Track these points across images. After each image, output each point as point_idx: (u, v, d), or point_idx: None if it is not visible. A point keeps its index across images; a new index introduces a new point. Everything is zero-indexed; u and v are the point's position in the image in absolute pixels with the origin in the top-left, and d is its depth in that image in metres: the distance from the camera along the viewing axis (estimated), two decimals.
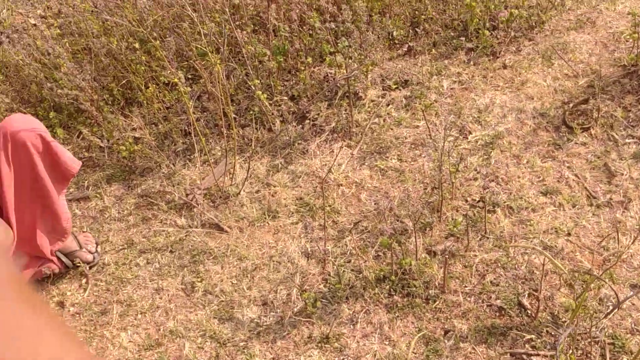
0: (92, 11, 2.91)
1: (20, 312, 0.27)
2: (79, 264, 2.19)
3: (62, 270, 2.21)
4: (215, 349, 1.96)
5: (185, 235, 2.35)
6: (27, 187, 1.99)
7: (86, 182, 2.60)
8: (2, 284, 0.27)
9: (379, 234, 2.21)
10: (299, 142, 2.62)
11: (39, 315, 0.28)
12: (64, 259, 2.21)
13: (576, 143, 2.47)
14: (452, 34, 2.98)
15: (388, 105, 2.69)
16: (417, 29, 2.97)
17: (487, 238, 2.16)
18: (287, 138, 2.64)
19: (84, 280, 2.23)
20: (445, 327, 1.92)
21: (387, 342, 1.92)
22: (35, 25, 3.23)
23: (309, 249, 2.23)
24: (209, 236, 2.34)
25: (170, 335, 2.02)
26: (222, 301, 2.11)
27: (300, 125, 2.67)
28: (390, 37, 2.95)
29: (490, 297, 1.99)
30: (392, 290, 2.05)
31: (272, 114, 2.68)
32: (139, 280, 2.21)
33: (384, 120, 2.63)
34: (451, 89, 2.73)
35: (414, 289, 2.02)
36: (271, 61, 2.67)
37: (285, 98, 2.72)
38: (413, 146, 2.53)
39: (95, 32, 2.82)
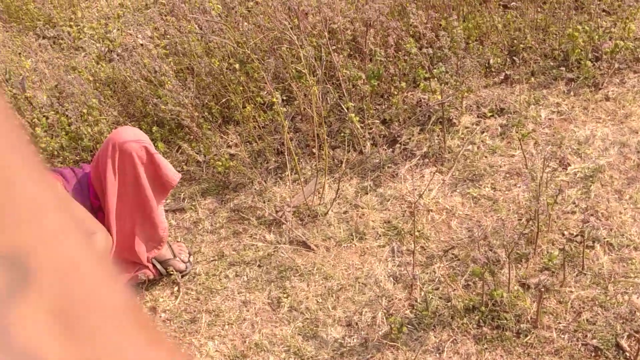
0: (196, 33, 3.05)
1: (141, 346, 0.25)
2: (172, 272, 2.27)
3: (156, 277, 2.30)
4: None
5: (274, 251, 2.39)
6: (130, 196, 2.09)
7: (182, 194, 2.70)
8: (119, 312, 0.25)
9: (470, 262, 2.17)
10: (389, 165, 2.62)
11: (159, 348, 0.26)
12: (158, 266, 2.30)
13: None
14: (552, 63, 2.91)
15: (482, 132, 2.65)
16: (515, 58, 2.92)
17: (585, 274, 2.07)
18: (377, 161, 2.65)
19: (175, 288, 2.30)
20: None
21: None
22: (142, 45, 3.42)
23: (397, 273, 2.21)
24: (296, 253, 2.37)
25: (255, 348, 2.04)
26: (307, 318, 2.12)
27: (391, 149, 2.67)
28: (487, 64, 2.92)
29: (586, 336, 1.90)
30: (481, 321, 1.99)
31: (364, 136, 2.70)
32: (227, 291, 2.27)
33: (478, 148, 2.59)
34: (549, 119, 2.66)
35: (505, 321, 1.96)
36: (365, 85, 2.70)
37: (377, 121, 2.73)
38: (508, 175, 2.48)
39: (199, 53, 2.95)
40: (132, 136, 2.07)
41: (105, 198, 2.06)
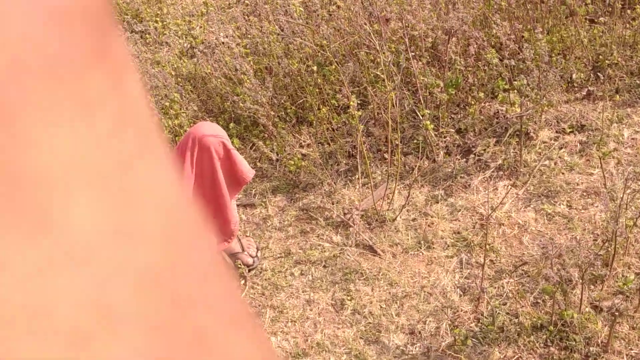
0: (277, 34, 3.11)
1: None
2: (239, 266, 2.32)
3: None
4: None
5: (340, 253, 2.41)
6: (206, 189, 2.16)
7: (254, 190, 2.76)
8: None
9: (541, 279, 2.12)
10: (462, 175, 2.59)
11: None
12: (227, 259, 2.35)
13: None
14: (638, 81, 2.81)
15: (561, 148, 2.58)
16: (599, 74, 2.83)
17: None
18: (450, 170, 2.63)
19: (242, 282, 2.36)
20: None
21: None
22: (223, 43, 3.52)
23: (464, 285, 2.19)
24: (362, 257, 2.38)
25: (317, 347, 2.07)
26: (370, 323, 2.12)
27: (465, 159, 2.64)
28: (569, 79, 2.84)
29: None
30: (549, 340, 1.94)
31: (437, 144, 2.68)
32: (292, 289, 2.30)
33: (555, 164, 2.53)
34: (632, 138, 2.57)
35: (574, 343, 1.91)
36: (442, 93, 2.68)
37: (452, 130, 2.71)
38: (585, 194, 2.41)
39: (278, 54, 3.01)
40: (211, 131, 2.13)
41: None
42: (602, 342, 1.90)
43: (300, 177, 2.75)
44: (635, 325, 1.94)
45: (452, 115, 2.81)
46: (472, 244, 2.33)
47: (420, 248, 2.38)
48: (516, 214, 2.41)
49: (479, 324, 2.05)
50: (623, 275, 2.09)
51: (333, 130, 2.89)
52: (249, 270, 2.37)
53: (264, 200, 2.70)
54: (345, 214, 2.56)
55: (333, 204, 2.62)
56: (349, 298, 2.23)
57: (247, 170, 2.22)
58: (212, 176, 2.15)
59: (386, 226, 2.49)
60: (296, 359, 2.04)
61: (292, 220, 2.60)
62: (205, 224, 0.21)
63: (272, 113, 2.85)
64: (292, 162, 2.69)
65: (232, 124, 2.92)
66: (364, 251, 2.41)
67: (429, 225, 2.46)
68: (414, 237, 2.43)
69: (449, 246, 2.36)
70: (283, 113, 2.92)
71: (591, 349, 1.89)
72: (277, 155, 2.81)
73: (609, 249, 2.10)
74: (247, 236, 2.48)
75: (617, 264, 2.11)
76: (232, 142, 2.80)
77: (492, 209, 2.37)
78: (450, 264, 2.29)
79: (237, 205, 2.69)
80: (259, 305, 2.26)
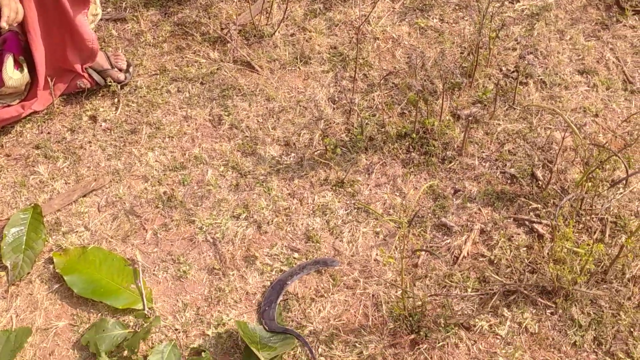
0: None
1: None
2: (110, 83, 2.25)
3: (93, 86, 2.28)
4: (236, 179, 2.06)
5: (217, 69, 2.38)
6: (50, 8, 2.00)
7: (124, 3, 2.60)
8: None
9: (407, 90, 2.22)
10: None
11: None
12: (95, 76, 2.27)
13: (625, 25, 2.38)
14: None
15: None
16: None
17: (514, 109, 2.16)
18: None
19: (115, 99, 2.30)
20: (456, 186, 1.99)
21: (397, 193, 2.00)
22: None
23: (337, 98, 2.26)
24: (239, 73, 2.37)
25: (195, 161, 2.12)
26: (247, 136, 2.18)
27: None
28: None
29: (505, 165, 2.03)
30: (411, 147, 2.10)
31: None
32: (168, 106, 2.28)
33: None
34: None
35: (433, 148, 2.07)
36: None
37: None
38: (457, 7, 2.46)
39: None
40: None
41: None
42: (457, 146, 2.08)
43: None
44: (488, 131, 2.12)
45: None
46: (348, 59, 2.38)
47: (298, 63, 2.39)
48: (391, 28, 2.45)
49: (349, 134, 2.16)
50: (483, 86, 2.24)
51: None
52: (121, 87, 2.31)
53: (135, 14, 2.56)
54: (222, 29, 2.49)
55: (210, 18, 2.53)
56: (226, 114, 2.25)
57: None
58: None
59: (264, 42, 2.46)
60: (175, 171, 2.09)
61: (166, 36, 2.50)
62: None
63: None
64: None
65: None
66: (241, 67, 2.39)
67: (306, 41, 2.46)
68: (291, 52, 2.43)
69: (325, 61, 2.39)
70: None
71: (448, 153, 2.07)
72: None
73: (472, 61, 2.21)
74: (117, 53, 2.37)
75: (478, 75, 2.24)
76: None
77: (366, 22, 2.39)
78: (325, 79, 2.33)
79: (106, 20, 2.53)
80: (135, 122, 2.24)
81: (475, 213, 1.93)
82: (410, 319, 1.69)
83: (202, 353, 1.64)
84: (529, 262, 1.80)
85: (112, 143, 2.18)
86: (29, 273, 1.85)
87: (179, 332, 1.72)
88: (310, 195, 2.01)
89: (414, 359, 1.64)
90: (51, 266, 1.87)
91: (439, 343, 1.66)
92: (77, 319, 1.76)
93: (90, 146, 2.17)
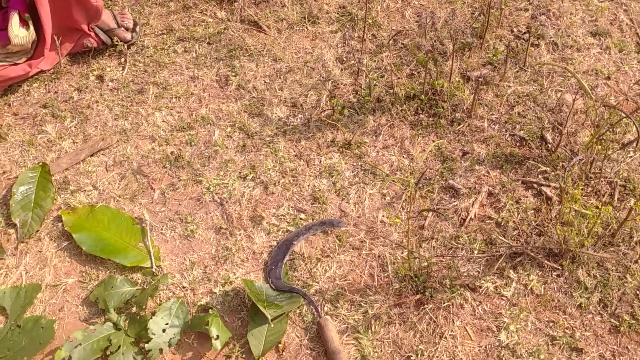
0: None
1: None
2: (117, 42, 2.23)
3: (99, 45, 2.26)
4: (242, 139, 2.06)
5: (224, 29, 2.35)
6: None
7: None
8: None
9: (416, 50, 2.19)
10: None
11: None
12: (102, 35, 2.25)
13: None
14: None
15: None
16: None
17: (525, 71, 2.13)
18: None
19: (122, 59, 2.29)
20: (465, 149, 1.97)
21: (405, 155, 1.99)
22: None
23: (344, 59, 2.24)
24: (247, 33, 2.34)
25: (202, 121, 2.11)
26: (254, 97, 2.17)
27: None
28: None
29: (515, 128, 2.02)
30: (419, 108, 2.08)
31: None
32: (175, 66, 2.27)
33: None
34: None
35: (442, 110, 2.05)
36: None
37: None
38: None
39: None
40: None
41: None
42: (467, 108, 2.06)
43: None
44: (498, 93, 2.10)
45: None
46: (356, 19, 2.34)
47: (306, 23, 2.36)
48: None
49: (357, 96, 2.14)
50: (494, 47, 2.20)
51: None
52: (128, 47, 2.29)
53: None
54: None
55: None
56: (233, 74, 2.23)
57: None
58: None
59: (272, 1, 2.43)
60: (181, 132, 2.08)
61: None
62: None
63: None
64: None
65: None
66: (249, 27, 2.36)
67: (314, 0, 2.42)
68: (299, 12, 2.40)
69: (333, 21, 2.36)
70: None
71: (457, 115, 2.05)
72: None
73: (483, 22, 2.17)
74: (123, 12, 2.35)
75: (489, 36, 2.21)
76: None
77: None
78: (334, 39, 2.30)
79: None
80: (142, 82, 2.23)
81: (484, 175, 1.92)
82: (416, 279, 1.70)
83: (210, 310, 1.66)
84: (536, 225, 1.80)
85: (119, 103, 2.17)
86: (37, 231, 1.87)
87: (187, 290, 1.74)
88: (317, 156, 2.00)
89: (419, 318, 1.65)
90: (60, 224, 1.88)
91: (444, 303, 1.67)
92: (85, 276, 1.78)
93: (98, 106, 2.17)
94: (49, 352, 1.64)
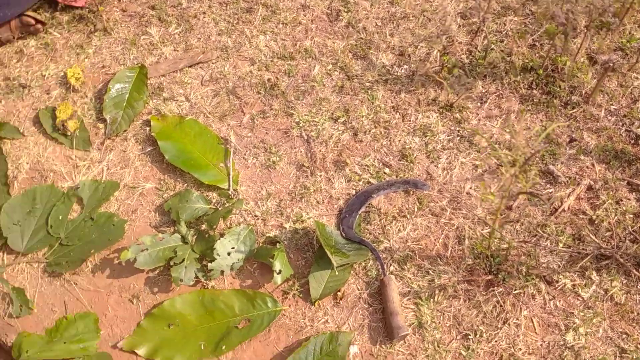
0: None
1: None
2: None
3: None
4: (341, 80, 1.99)
5: None
6: None
7: None
8: None
9: (546, 22, 2.02)
10: None
11: None
12: None
13: None
14: None
15: None
16: None
17: None
18: None
19: None
20: (573, 135, 1.83)
21: (507, 130, 1.87)
22: None
23: (467, 15, 2.10)
24: None
25: (304, 53, 2.05)
26: (362, 38, 2.08)
27: None
28: None
29: (633, 124, 1.85)
30: (534, 83, 1.93)
31: None
32: None
33: None
34: None
35: (558, 89, 1.90)
36: None
37: None
38: None
39: None
40: None
41: None
42: (586, 93, 1.90)
43: None
44: (624, 83, 1.92)
45: None
46: None
47: None
48: None
49: (470, 57, 2.01)
50: (630, 33, 2.01)
51: None
52: None
53: None
54: None
55: None
56: (345, 10, 2.14)
57: None
58: None
59: None
60: (282, 60, 2.03)
61: None
62: None
63: None
64: None
65: None
66: None
67: None
68: None
69: None
70: None
71: (573, 97, 1.90)
72: None
73: (625, 3, 1.98)
74: None
75: (627, 20, 2.01)
76: None
77: None
78: None
79: None
80: (252, 1, 2.18)
81: (587, 167, 1.78)
82: (491, 259, 1.61)
83: (277, 244, 1.64)
84: (633, 230, 1.66)
85: (226, 18, 2.14)
86: (125, 130, 1.89)
87: (258, 219, 1.72)
88: (414, 112, 1.91)
89: (486, 299, 1.58)
90: (147, 128, 1.89)
91: (515, 290, 1.58)
92: (163, 184, 1.79)
93: (204, 17, 2.14)
94: (115, 250, 1.67)
